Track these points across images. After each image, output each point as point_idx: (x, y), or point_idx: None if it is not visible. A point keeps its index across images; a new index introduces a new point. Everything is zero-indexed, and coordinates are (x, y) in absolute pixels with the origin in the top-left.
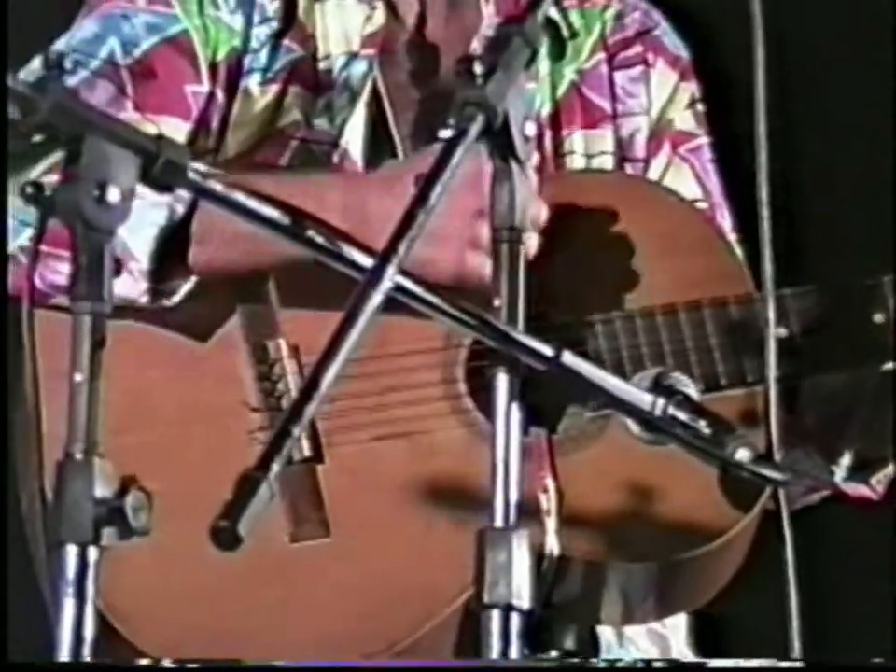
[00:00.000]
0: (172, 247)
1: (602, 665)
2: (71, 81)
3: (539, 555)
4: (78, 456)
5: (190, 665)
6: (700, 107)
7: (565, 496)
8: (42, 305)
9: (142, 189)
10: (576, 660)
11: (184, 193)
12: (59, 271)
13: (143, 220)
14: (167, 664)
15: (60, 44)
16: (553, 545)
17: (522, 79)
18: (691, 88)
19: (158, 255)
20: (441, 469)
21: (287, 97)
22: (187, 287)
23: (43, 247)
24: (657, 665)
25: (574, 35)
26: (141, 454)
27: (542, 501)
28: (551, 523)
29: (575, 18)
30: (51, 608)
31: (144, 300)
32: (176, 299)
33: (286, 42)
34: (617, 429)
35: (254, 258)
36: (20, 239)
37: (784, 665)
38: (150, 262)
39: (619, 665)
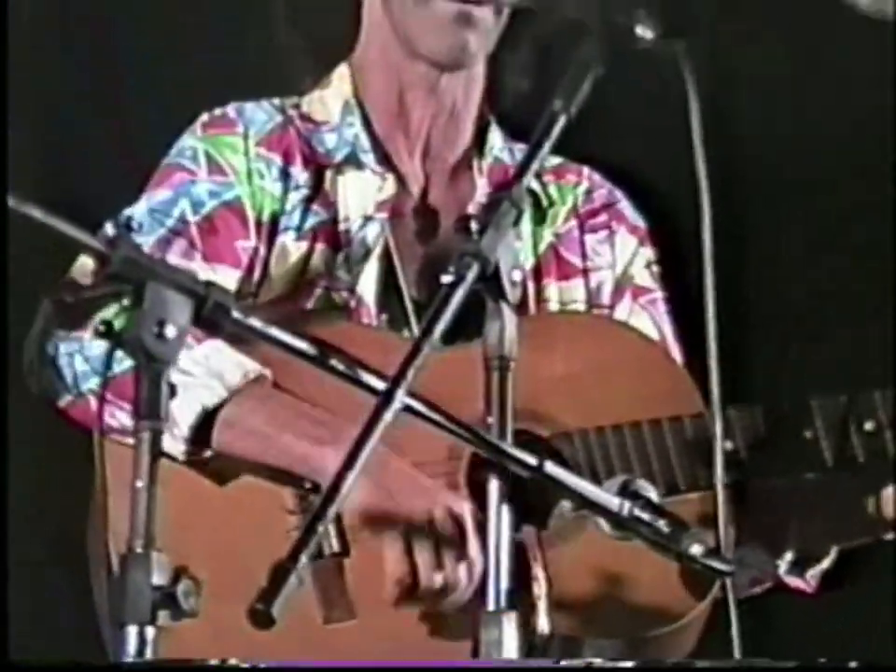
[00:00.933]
0: (207, 424)
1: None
2: (151, 238)
3: (531, 632)
4: (139, 550)
5: (191, 665)
6: (655, 268)
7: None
8: (107, 438)
9: (195, 370)
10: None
11: (230, 382)
12: (118, 417)
13: (191, 397)
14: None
15: (136, 208)
16: (544, 625)
17: (510, 236)
18: (647, 252)
19: (196, 428)
20: None
21: (314, 252)
22: (210, 453)
23: (108, 395)
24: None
25: (552, 204)
26: (193, 547)
27: (534, 588)
28: (542, 606)
29: (553, 190)
30: None
31: (181, 458)
32: (208, 455)
33: (314, 207)
34: (594, 526)
35: (261, 454)
36: (89, 383)
37: (786, 665)
38: (189, 432)
39: (618, 665)
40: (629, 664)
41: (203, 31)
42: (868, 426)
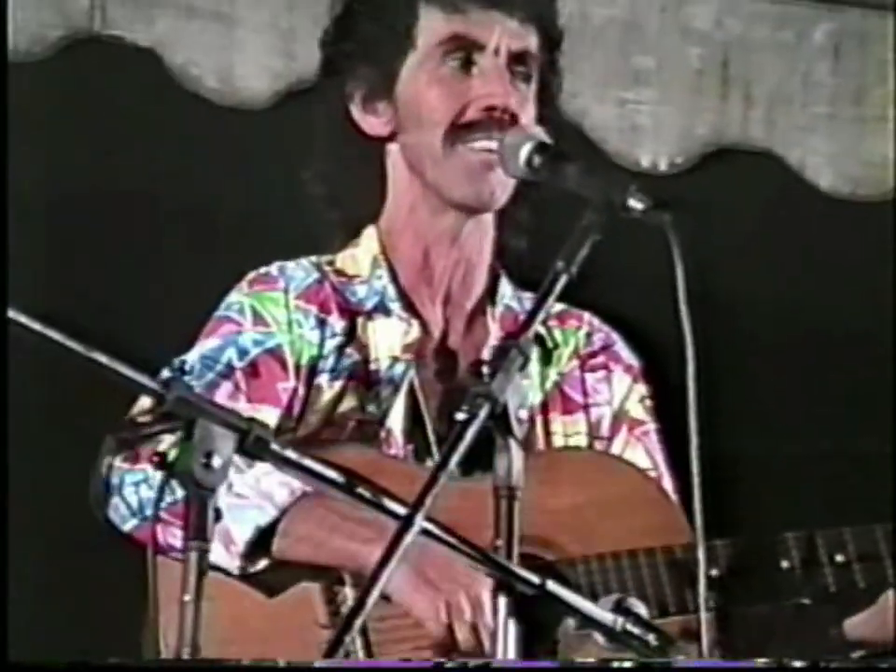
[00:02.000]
0: (262, 539)
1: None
2: (202, 381)
3: None
4: (185, 657)
5: (192, 665)
6: (648, 402)
7: None
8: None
9: (248, 492)
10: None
11: (279, 501)
12: (175, 536)
13: (245, 517)
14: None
15: (189, 355)
16: None
17: (518, 380)
18: (641, 389)
19: (251, 543)
20: None
21: (347, 390)
22: (264, 563)
23: (167, 517)
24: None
25: (556, 346)
26: (238, 655)
27: None
28: None
29: (557, 334)
30: None
31: (236, 572)
32: (259, 567)
33: (347, 350)
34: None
35: (315, 556)
36: (152, 509)
37: (789, 664)
38: (245, 548)
39: (617, 665)
40: (628, 663)
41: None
42: (839, 558)
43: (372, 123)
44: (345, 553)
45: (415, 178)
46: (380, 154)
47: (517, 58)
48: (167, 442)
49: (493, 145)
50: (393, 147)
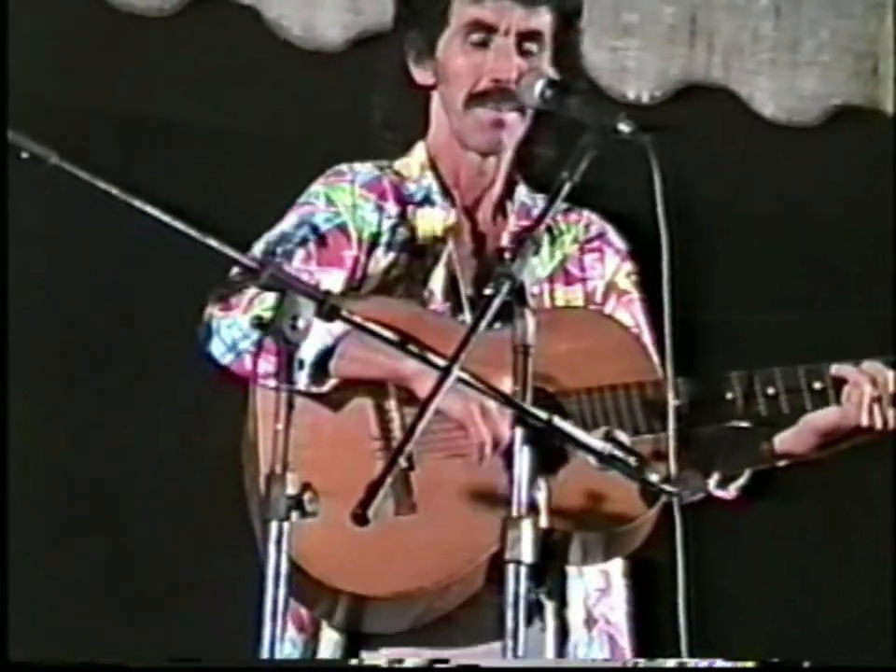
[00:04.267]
0: (323, 361)
1: (601, 665)
2: (282, 249)
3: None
4: (278, 471)
5: (198, 666)
6: (634, 278)
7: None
8: (257, 384)
9: (314, 330)
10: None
11: (334, 332)
12: (269, 365)
13: (310, 345)
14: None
15: (276, 230)
16: (544, 522)
17: (531, 263)
18: (627, 266)
19: (315, 364)
20: (481, 477)
21: (399, 260)
22: (331, 383)
23: (260, 358)
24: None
25: (561, 234)
26: (312, 465)
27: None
28: (543, 509)
29: (562, 226)
30: (263, 557)
31: (305, 388)
32: (325, 388)
33: (400, 229)
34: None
35: (365, 371)
36: (244, 345)
37: (788, 664)
38: (310, 369)
39: (617, 665)
40: (631, 664)
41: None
42: (769, 391)
43: (420, 75)
44: (388, 366)
45: (448, 120)
46: (426, 95)
47: (527, 36)
48: (263, 306)
49: (500, 109)
50: (435, 94)
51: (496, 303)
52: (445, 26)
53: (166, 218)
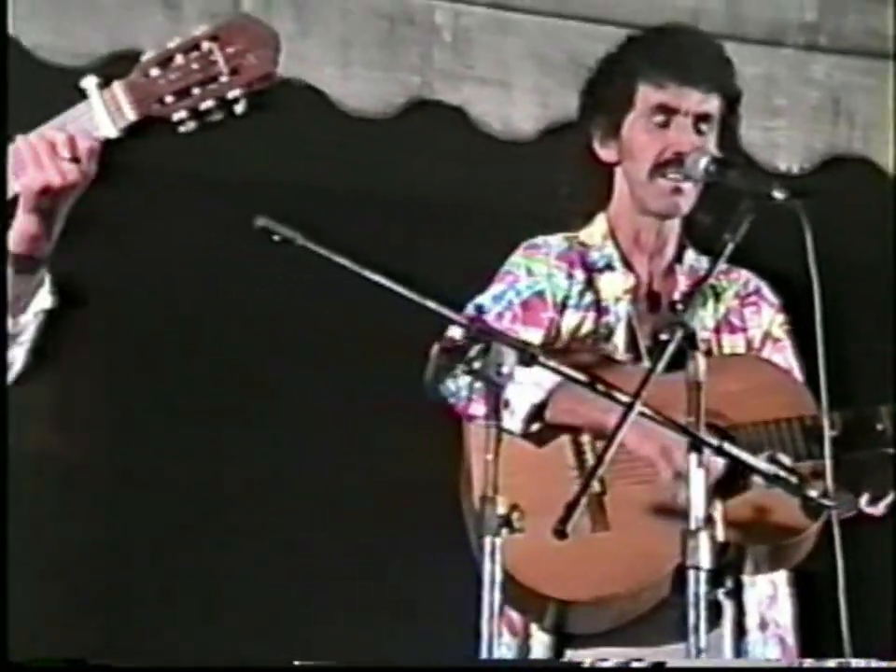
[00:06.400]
0: (535, 411)
1: (603, 665)
2: (493, 312)
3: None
4: (489, 494)
5: (198, 666)
6: (786, 327)
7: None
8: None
9: (526, 381)
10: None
11: (546, 386)
12: (480, 406)
13: (524, 397)
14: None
15: (484, 296)
16: (721, 536)
17: (700, 313)
18: (780, 318)
19: (529, 416)
20: (663, 499)
21: (586, 319)
22: (537, 426)
23: (473, 401)
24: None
25: (724, 290)
26: (518, 489)
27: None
28: (720, 524)
29: (724, 283)
30: (479, 568)
31: (518, 433)
32: (532, 430)
33: (586, 294)
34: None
35: (572, 420)
36: (465, 393)
37: (791, 666)
38: (525, 416)
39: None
40: (636, 664)
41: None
42: None
43: (605, 153)
44: (591, 418)
45: (630, 190)
46: (609, 172)
47: (701, 117)
48: (474, 357)
49: (680, 178)
50: (618, 169)
51: (671, 347)
52: (630, 110)
53: (394, 286)
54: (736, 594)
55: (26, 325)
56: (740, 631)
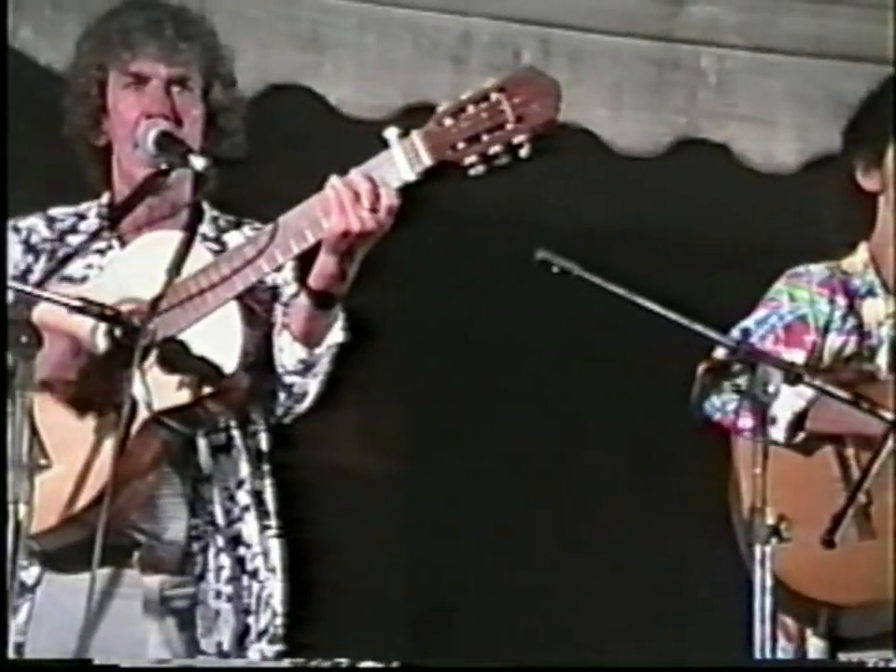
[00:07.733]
0: (797, 420)
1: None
2: (758, 335)
3: None
4: (758, 505)
5: (196, 666)
6: None
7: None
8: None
9: (788, 394)
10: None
11: (807, 396)
12: (747, 421)
13: (787, 403)
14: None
15: (749, 320)
16: None
17: None
18: None
19: (791, 423)
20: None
21: (848, 343)
22: (801, 436)
23: (740, 417)
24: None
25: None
26: (785, 500)
27: None
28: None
29: None
30: (750, 574)
31: (782, 442)
32: (797, 440)
33: (848, 318)
34: None
35: (832, 429)
36: (729, 407)
37: (801, 664)
38: (787, 426)
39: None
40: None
41: None
42: None
43: (868, 183)
44: (851, 425)
45: (894, 217)
46: (873, 202)
47: None
48: (742, 377)
49: None
50: (881, 198)
51: None
52: (892, 140)
53: (666, 312)
54: None
55: (320, 356)
56: None
